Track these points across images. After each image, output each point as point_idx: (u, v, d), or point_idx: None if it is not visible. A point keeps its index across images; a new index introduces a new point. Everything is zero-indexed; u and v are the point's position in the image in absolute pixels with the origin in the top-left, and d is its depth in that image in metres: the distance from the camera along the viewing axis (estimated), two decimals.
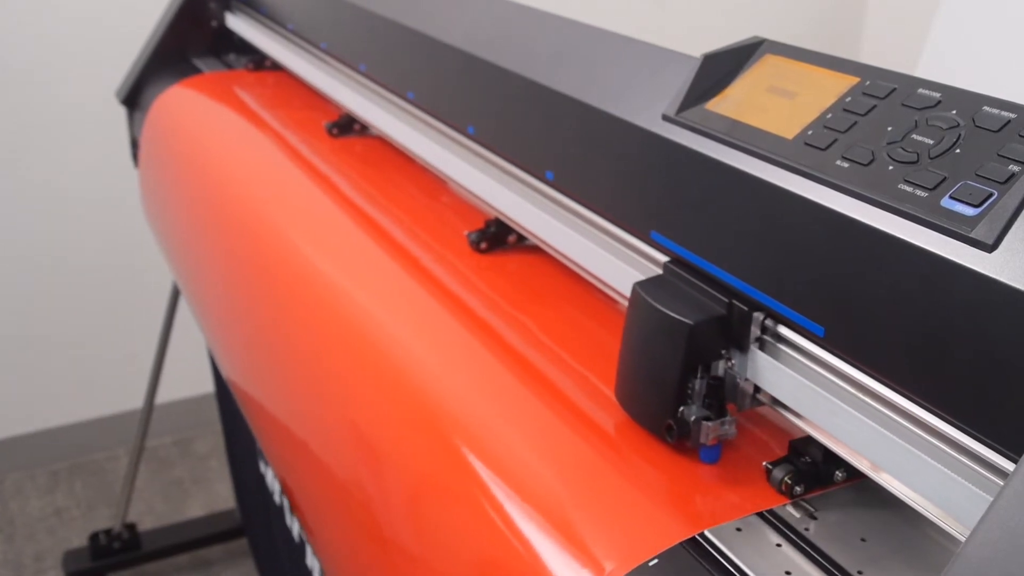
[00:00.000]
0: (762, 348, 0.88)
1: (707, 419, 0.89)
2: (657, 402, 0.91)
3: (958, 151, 0.72)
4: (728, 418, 0.90)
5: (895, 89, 0.80)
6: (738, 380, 0.90)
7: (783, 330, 0.85)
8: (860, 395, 0.78)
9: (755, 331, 0.87)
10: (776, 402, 0.88)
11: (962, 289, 0.66)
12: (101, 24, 3.07)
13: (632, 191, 1.01)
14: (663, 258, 0.98)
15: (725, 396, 0.91)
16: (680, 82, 0.96)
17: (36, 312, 3.28)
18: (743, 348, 0.89)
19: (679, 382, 0.89)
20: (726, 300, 0.89)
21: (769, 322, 0.86)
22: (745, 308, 0.87)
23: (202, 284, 1.86)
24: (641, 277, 1.00)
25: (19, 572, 2.91)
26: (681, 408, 0.89)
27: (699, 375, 0.89)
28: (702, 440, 0.90)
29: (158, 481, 3.34)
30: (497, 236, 1.36)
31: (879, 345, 0.74)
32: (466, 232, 1.37)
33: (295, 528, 1.85)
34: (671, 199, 0.95)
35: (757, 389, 0.89)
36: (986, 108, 0.73)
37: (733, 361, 0.89)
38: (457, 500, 0.97)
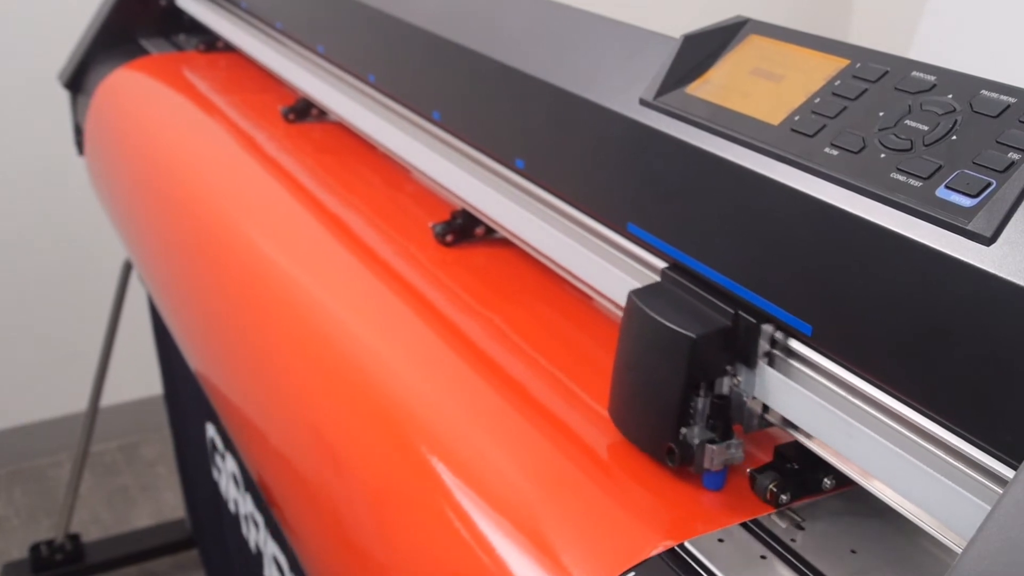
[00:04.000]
0: (771, 364, 0.84)
1: (711, 442, 0.86)
2: (656, 423, 0.87)
3: (954, 138, 0.71)
4: (735, 440, 0.86)
5: (887, 72, 0.79)
6: (745, 399, 0.86)
7: (794, 344, 0.82)
8: (857, 401, 0.77)
9: (764, 345, 0.84)
10: (787, 423, 0.85)
11: (959, 285, 0.65)
12: (42, 2, 3.04)
13: (607, 181, 1.00)
14: (640, 251, 0.97)
15: (731, 416, 0.87)
16: (658, 64, 0.95)
17: None
18: (750, 364, 0.85)
19: (680, 401, 0.85)
20: (732, 311, 0.85)
21: (779, 335, 0.83)
22: (753, 320, 0.84)
23: (160, 279, 1.85)
24: (615, 271, 0.99)
25: None
26: (683, 430, 0.86)
27: (702, 393, 0.86)
28: (707, 465, 0.86)
29: (103, 489, 3.31)
30: (464, 228, 1.34)
31: (870, 345, 0.73)
32: (431, 224, 1.36)
33: (251, 538, 1.83)
34: (649, 189, 0.94)
35: (766, 408, 0.86)
36: (984, 92, 0.72)
37: (739, 378, 0.86)
38: (423, 512, 0.96)
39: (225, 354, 1.47)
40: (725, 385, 0.87)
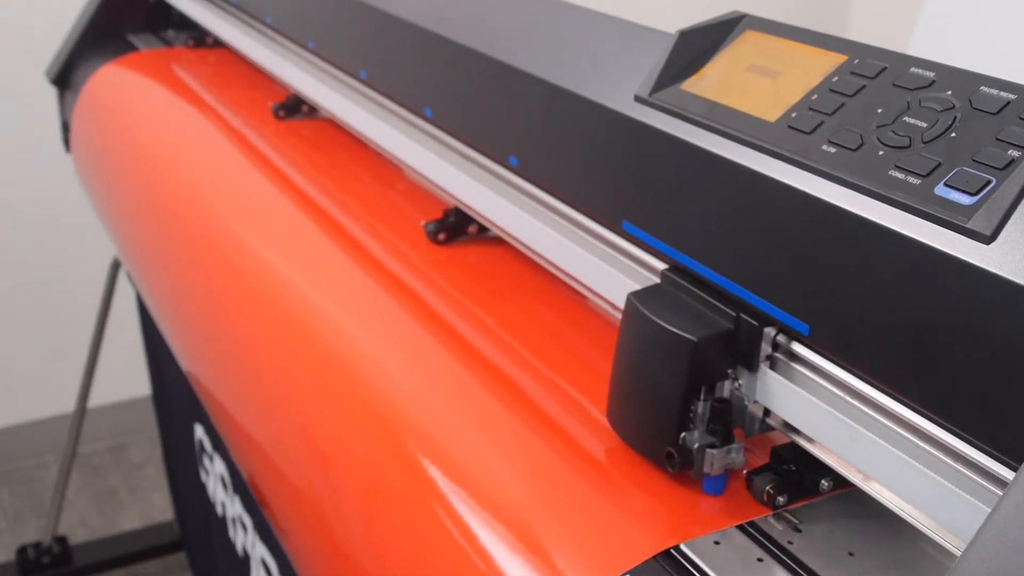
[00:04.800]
0: (773, 367, 0.84)
1: (712, 446, 0.85)
2: (655, 427, 0.87)
3: (953, 135, 0.71)
4: (735, 445, 0.86)
5: (885, 68, 0.79)
6: (746, 402, 0.86)
7: (797, 347, 0.82)
8: (860, 404, 0.77)
9: (766, 348, 0.84)
10: (789, 427, 0.85)
11: (958, 284, 0.65)
12: None
13: (602, 178, 1.00)
14: (636, 250, 0.97)
15: (732, 420, 0.87)
16: (654, 60, 0.95)
17: None
18: (752, 367, 0.85)
19: (680, 405, 0.85)
20: (733, 314, 0.85)
21: (782, 338, 0.83)
22: (755, 323, 0.84)
23: (150, 277, 1.85)
24: (610, 269, 0.99)
25: None
26: (683, 434, 0.86)
27: (702, 397, 0.85)
28: (706, 470, 0.86)
29: (91, 491, 3.31)
30: (456, 226, 1.34)
31: (867, 344, 0.73)
32: (423, 222, 1.35)
33: (239, 541, 1.83)
34: (645, 187, 0.94)
35: (767, 412, 0.86)
36: (984, 88, 0.72)
37: (741, 381, 0.86)
38: (417, 515, 0.96)
39: (215, 353, 1.47)
40: (726, 389, 0.86)
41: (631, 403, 0.90)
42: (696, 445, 0.85)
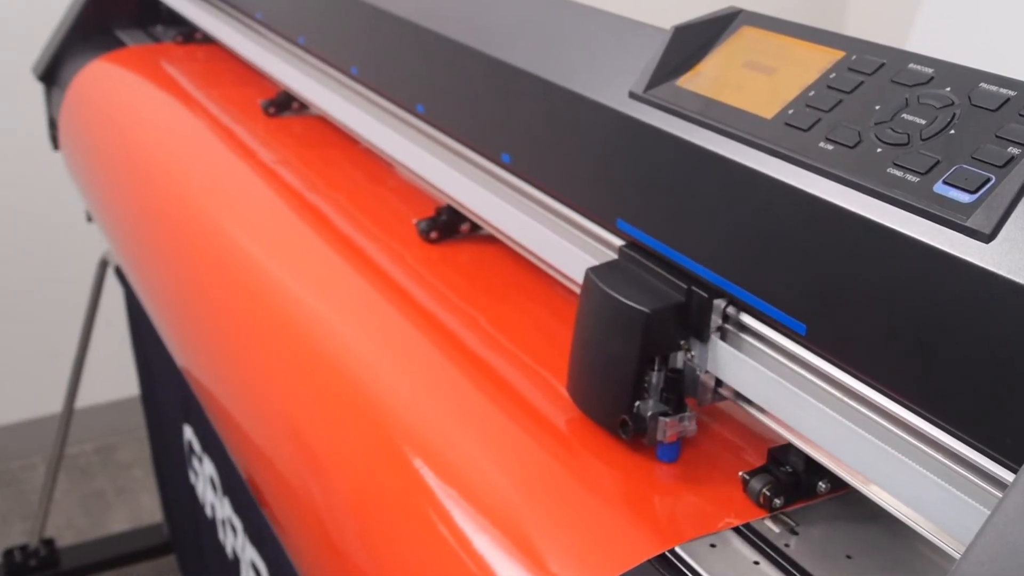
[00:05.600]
0: (724, 338, 0.87)
1: (664, 414, 0.89)
2: (611, 397, 0.91)
3: (952, 132, 0.71)
4: (687, 413, 0.90)
5: (883, 64, 0.79)
6: (698, 373, 0.89)
7: (747, 319, 0.85)
8: (833, 390, 0.77)
9: (716, 320, 0.87)
10: (740, 397, 0.87)
11: (957, 283, 0.65)
12: None
13: (596, 176, 1.00)
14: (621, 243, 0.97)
15: (684, 390, 0.90)
16: (648, 56, 0.94)
17: None
18: (703, 338, 0.88)
19: (635, 375, 0.88)
20: (685, 286, 0.88)
21: (732, 310, 0.86)
22: (705, 295, 0.87)
23: (142, 274, 1.84)
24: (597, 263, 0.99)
25: None
26: (637, 403, 0.89)
27: (656, 367, 0.89)
28: (659, 437, 0.89)
29: (78, 492, 3.30)
30: (449, 225, 1.34)
31: (865, 343, 0.73)
32: (415, 220, 1.35)
33: (228, 544, 1.83)
34: (638, 184, 0.93)
35: (719, 383, 0.89)
36: (983, 85, 0.72)
37: (693, 352, 0.89)
38: (404, 514, 0.95)
39: (205, 350, 1.47)
40: (679, 359, 0.90)
41: (589, 374, 0.94)
42: (649, 413, 0.89)
